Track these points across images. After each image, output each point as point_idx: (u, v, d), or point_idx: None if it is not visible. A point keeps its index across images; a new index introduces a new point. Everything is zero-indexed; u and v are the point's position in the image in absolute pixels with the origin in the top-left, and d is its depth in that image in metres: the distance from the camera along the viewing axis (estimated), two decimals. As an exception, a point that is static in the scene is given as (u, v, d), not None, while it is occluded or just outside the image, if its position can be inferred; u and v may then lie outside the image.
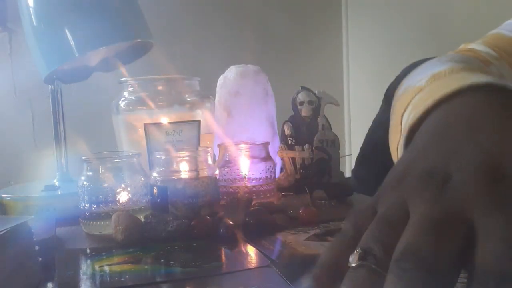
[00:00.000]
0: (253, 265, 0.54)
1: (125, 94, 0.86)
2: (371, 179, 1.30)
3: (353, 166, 1.31)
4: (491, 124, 0.31)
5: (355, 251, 0.29)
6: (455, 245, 0.26)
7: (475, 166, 0.28)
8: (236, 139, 0.91)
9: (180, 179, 0.71)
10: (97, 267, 0.55)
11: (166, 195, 0.70)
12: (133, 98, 0.86)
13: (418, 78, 0.45)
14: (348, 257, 0.29)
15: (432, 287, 0.25)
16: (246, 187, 0.78)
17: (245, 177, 0.78)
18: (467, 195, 0.28)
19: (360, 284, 0.28)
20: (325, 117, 0.91)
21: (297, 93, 0.92)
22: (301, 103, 0.91)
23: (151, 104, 0.85)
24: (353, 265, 0.29)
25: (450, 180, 0.29)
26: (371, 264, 0.28)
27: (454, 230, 0.27)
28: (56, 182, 0.88)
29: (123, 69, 0.94)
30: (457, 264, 0.26)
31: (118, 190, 0.70)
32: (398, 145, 0.46)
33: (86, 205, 0.69)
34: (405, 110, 0.44)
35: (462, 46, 0.64)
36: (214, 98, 0.96)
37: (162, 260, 0.56)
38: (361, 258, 0.29)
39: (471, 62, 0.51)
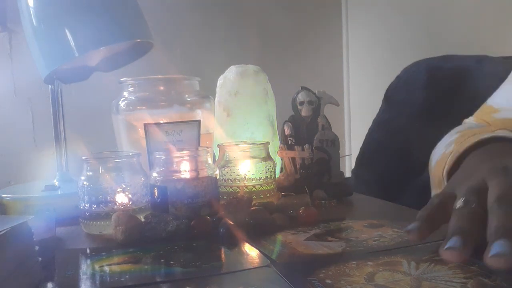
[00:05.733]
0: (253, 265, 0.54)
1: (125, 94, 0.86)
2: (371, 179, 1.32)
3: (353, 166, 1.31)
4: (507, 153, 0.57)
5: (460, 199, 0.50)
6: None
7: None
8: (236, 139, 0.91)
9: (180, 179, 0.71)
10: (97, 267, 0.55)
11: (166, 195, 0.70)
12: (133, 98, 0.86)
13: (445, 148, 0.73)
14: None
15: None
16: (246, 187, 0.78)
17: (245, 177, 0.78)
18: None
19: (466, 215, 0.48)
20: (325, 117, 0.91)
21: (297, 93, 0.92)
22: (301, 103, 0.91)
23: (151, 104, 0.85)
24: (458, 206, 0.50)
25: (507, 169, 0.51)
26: (471, 205, 0.49)
27: None
28: (56, 182, 0.88)
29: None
30: None
31: (118, 190, 0.70)
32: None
33: (86, 205, 0.69)
34: (444, 169, 0.68)
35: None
36: (214, 98, 0.96)
37: (162, 260, 0.56)
38: (465, 202, 0.50)
39: (474, 126, 0.80)
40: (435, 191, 0.74)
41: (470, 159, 0.62)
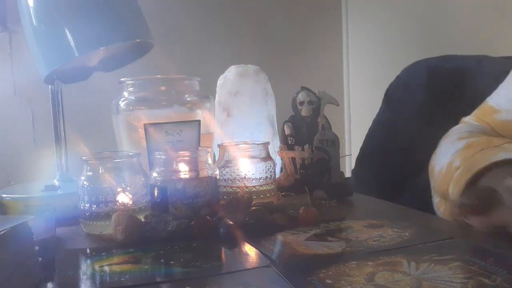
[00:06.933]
0: (253, 265, 0.54)
1: (125, 94, 0.86)
2: (371, 179, 1.32)
3: (353, 166, 1.31)
4: None
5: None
6: None
7: None
8: (236, 139, 0.91)
9: (180, 179, 0.71)
10: (97, 267, 0.55)
11: (166, 195, 0.70)
12: (133, 98, 0.86)
13: (450, 157, 0.72)
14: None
15: None
16: (246, 187, 0.78)
17: (245, 177, 0.78)
18: None
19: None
20: (325, 117, 0.91)
21: (297, 93, 0.92)
22: (301, 103, 0.91)
23: (151, 104, 0.85)
24: None
25: None
26: None
27: None
28: (56, 182, 0.88)
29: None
30: None
31: (118, 190, 0.70)
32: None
33: (86, 205, 0.69)
34: (449, 185, 0.68)
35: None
36: (214, 98, 0.96)
37: (162, 260, 0.56)
38: None
39: (475, 129, 0.80)
40: (438, 198, 0.75)
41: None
